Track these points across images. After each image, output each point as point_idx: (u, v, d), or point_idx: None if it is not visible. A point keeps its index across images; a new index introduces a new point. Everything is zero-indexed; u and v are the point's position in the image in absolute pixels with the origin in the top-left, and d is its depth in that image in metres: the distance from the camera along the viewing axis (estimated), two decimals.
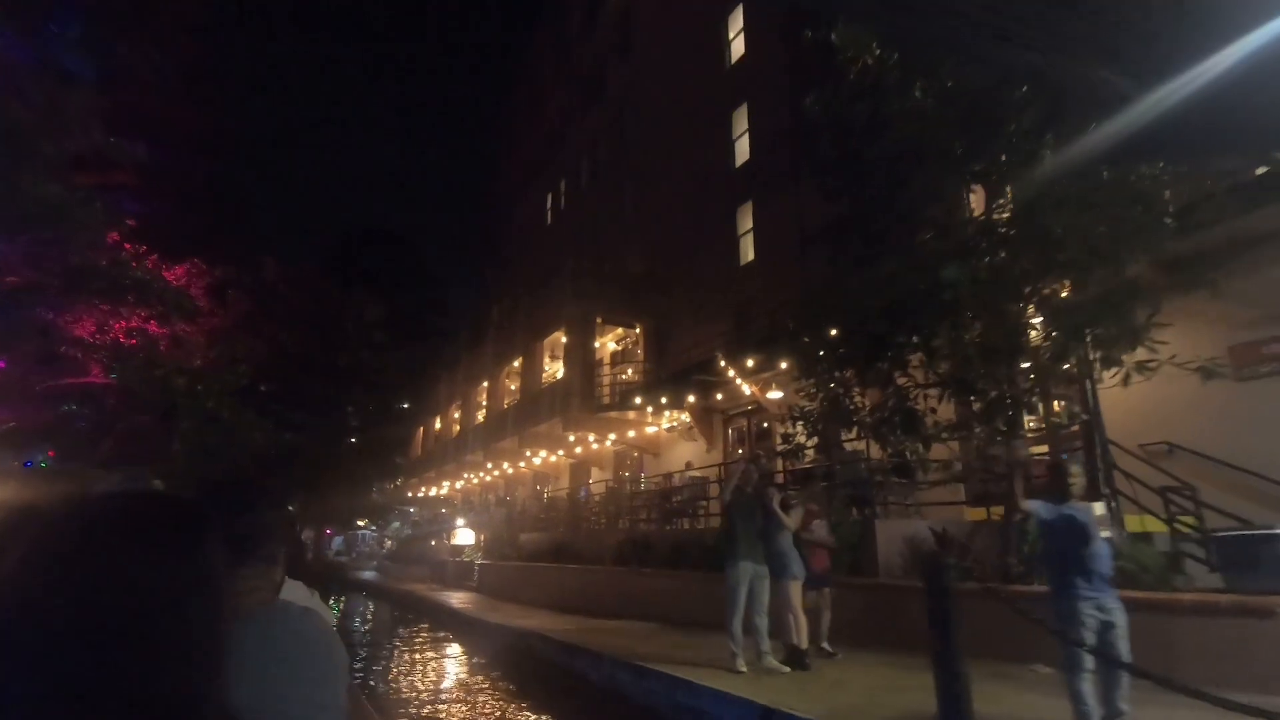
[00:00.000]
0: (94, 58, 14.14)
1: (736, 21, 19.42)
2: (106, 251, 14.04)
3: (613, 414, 19.21)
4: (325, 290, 22.99)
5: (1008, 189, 7.04)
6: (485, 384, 28.96)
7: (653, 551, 13.20)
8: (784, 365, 13.01)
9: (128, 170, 16.12)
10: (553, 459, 24.78)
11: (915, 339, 7.09)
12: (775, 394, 14.35)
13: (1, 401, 15.65)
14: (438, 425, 36.28)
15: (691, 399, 15.68)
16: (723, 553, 6.29)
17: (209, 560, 0.77)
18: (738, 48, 19.27)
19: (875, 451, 9.68)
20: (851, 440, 10.20)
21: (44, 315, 14.23)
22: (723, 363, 13.53)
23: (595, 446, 21.96)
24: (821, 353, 8.07)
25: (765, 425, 16.44)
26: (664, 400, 16.02)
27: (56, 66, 12.16)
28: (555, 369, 23.61)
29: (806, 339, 7.81)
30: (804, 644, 6.15)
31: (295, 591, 1.51)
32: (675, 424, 18.84)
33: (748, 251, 17.83)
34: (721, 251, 18.52)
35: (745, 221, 17.94)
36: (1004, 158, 6.47)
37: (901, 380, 7.24)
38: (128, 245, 16.37)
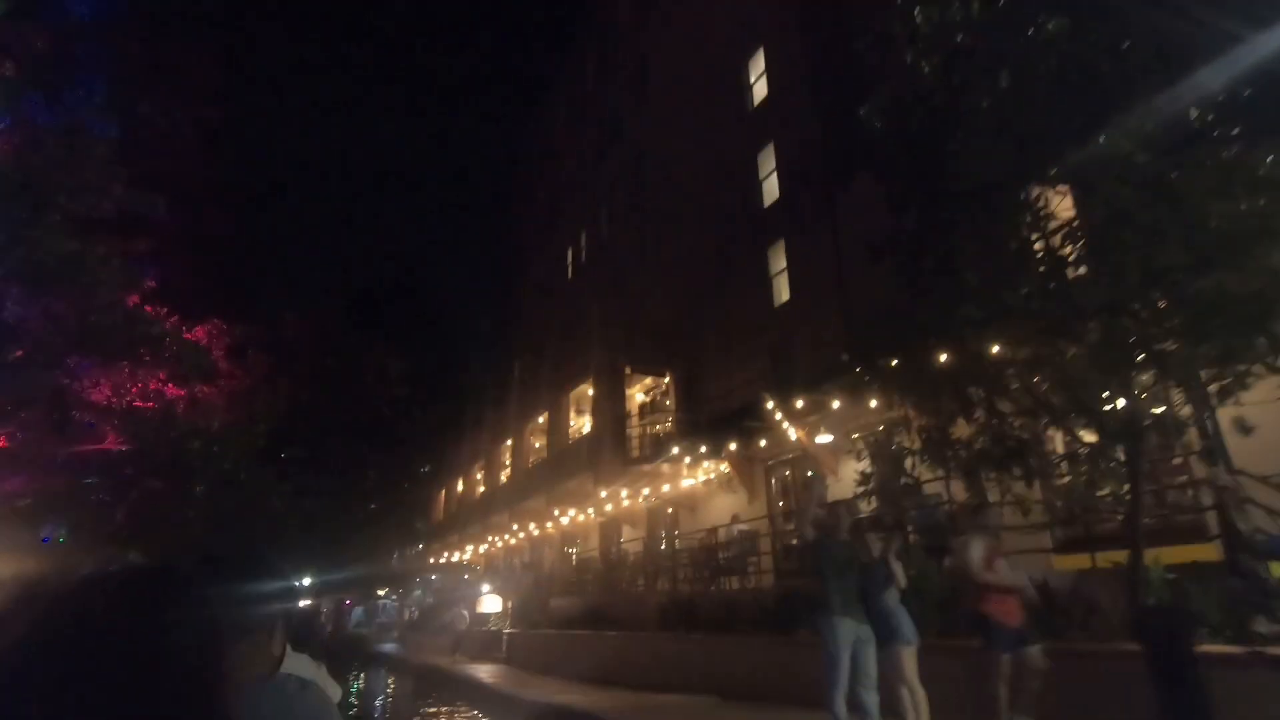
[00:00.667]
0: (115, 117, 14.07)
1: (758, 64, 19.30)
2: (125, 312, 13.69)
3: (645, 467, 18.22)
4: (345, 344, 22.51)
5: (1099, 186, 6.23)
6: (509, 442, 28.13)
7: (699, 613, 12.05)
8: (835, 405, 12.11)
9: (146, 230, 15.96)
10: (581, 518, 23.64)
11: (1012, 355, 6.22)
12: (824, 438, 13.38)
13: (15, 471, 15.10)
14: (460, 487, 35.32)
15: (733, 446, 14.71)
16: (813, 607, 5.30)
17: (200, 634, 0.78)
18: (760, 90, 19.08)
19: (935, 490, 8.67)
20: (928, 481, 9.17)
21: (59, 379, 13.79)
22: (769, 404, 12.63)
23: (627, 503, 20.88)
24: (896, 381, 7.17)
25: (810, 474, 15.40)
26: (703, 449, 15.07)
27: (78, 126, 12.06)
28: (581, 424, 22.78)
29: (893, 362, 6.90)
30: None
31: (300, 664, 1.50)
32: (713, 475, 17.79)
33: (781, 292, 17.14)
34: (753, 293, 17.85)
35: (778, 261, 17.32)
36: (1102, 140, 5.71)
37: (1003, 407, 6.31)
38: (149, 308, 16.04)
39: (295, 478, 20.37)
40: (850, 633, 5.05)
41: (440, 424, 33.60)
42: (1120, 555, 7.37)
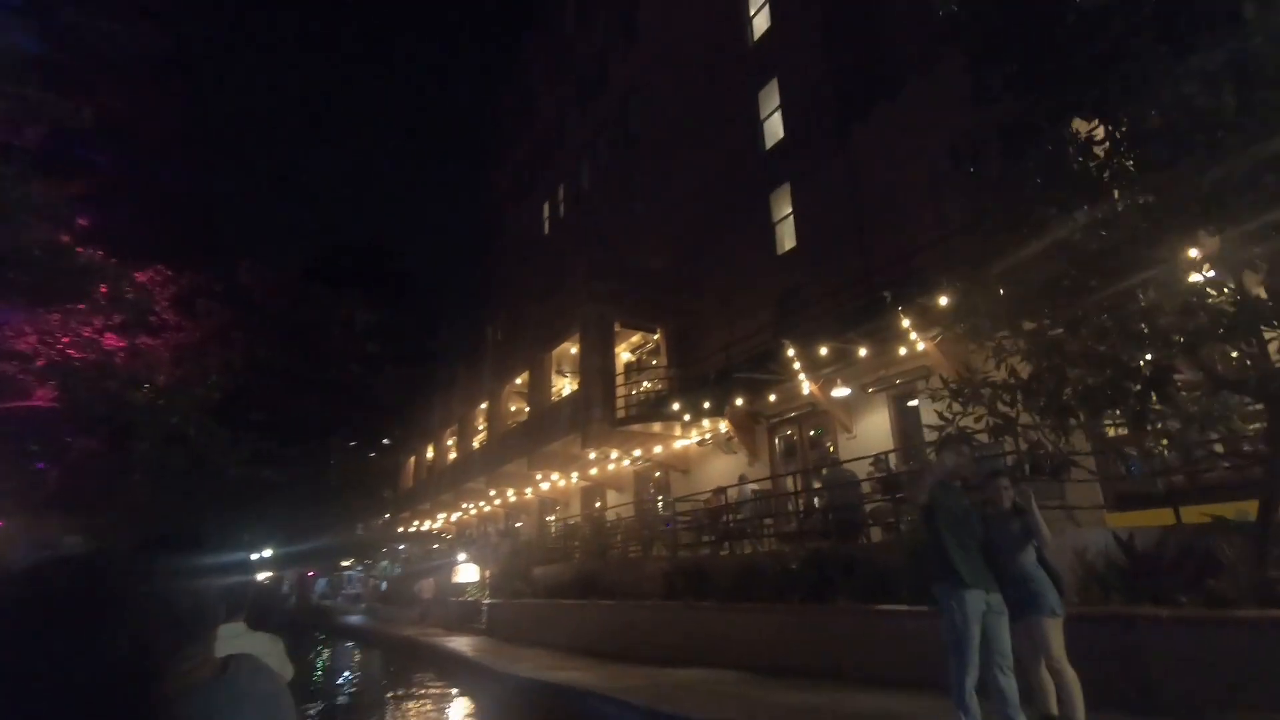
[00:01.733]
0: (33, 25, 12.08)
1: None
2: (48, 248, 11.82)
3: (636, 427, 17.08)
4: (310, 296, 20.57)
5: None
6: (485, 405, 26.70)
7: (711, 581, 11.00)
8: (863, 353, 11.02)
9: (88, 170, 14.01)
10: (563, 483, 22.48)
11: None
12: (841, 390, 12.32)
13: None
14: (431, 453, 33.80)
15: (740, 401, 13.59)
16: (932, 575, 4.18)
17: (131, 639, 0.76)
18: (761, 22, 17.64)
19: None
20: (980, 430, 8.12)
21: None
22: (790, 352, 11.48)
23: (613, 466, 19.78)
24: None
25: (817, 432, 14.43)
26: (706, 405, 13.91)
27: None
28: (562, 385, 21.49)
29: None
30: (1078, 715, 4.03)
31: (254, 643, 1.47)
32: (708, 436, 16.74)
33: (786, 239, 15.97)
34: (755, 241, 16.64)
35: (782, 206, 16.11)
36: None
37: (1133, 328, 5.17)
38: (80, 249, 14.13)
39: (254, 442, 18.67)
40: (979, 603, 3.96)
41: (410, 387, 31.93)
42: (1222, 509, 6.46)
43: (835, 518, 10.04)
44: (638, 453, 17.65)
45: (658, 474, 19.71)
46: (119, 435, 13.14)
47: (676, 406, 14.62)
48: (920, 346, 10.47)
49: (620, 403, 17.51)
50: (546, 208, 30.22)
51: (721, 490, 12.88)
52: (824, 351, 10.98)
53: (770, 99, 16.92)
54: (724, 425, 15.44)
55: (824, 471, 11.02)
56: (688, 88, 20.32)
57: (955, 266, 6.94)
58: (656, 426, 17.24)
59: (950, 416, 5.96)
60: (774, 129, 16.73)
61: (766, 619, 9.28)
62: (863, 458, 11.01)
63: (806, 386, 12.65)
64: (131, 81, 16.73)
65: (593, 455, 17.91)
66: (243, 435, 17.41)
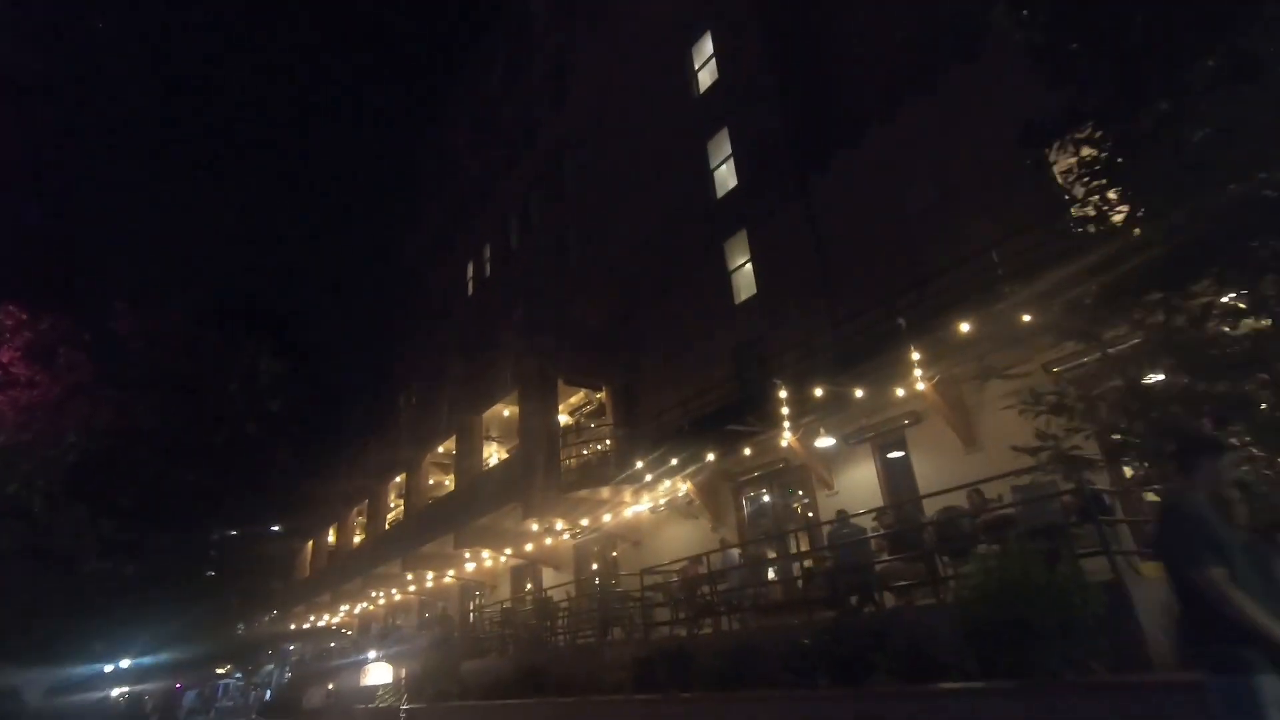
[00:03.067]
0: None
1: (704, 48, 17.72)
2: None
3: (583, 493, 15.41)
4: (202, 345, 17.67)
5: None
6: (400, 478, 24.12)
7: (696, 666, 9.32)
8: (859, 394, 10.06)
9: None
10: (490, 563, 20.15)
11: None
12: (824, 441, 11.28)
13: None
14: (333, 538, 30.21)
15: (710, 457, 12.27)
16: (1202, 651, 2.88)
17: None
18: (707, 75, 17.45)
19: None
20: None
21: None
22: (782, 393, 10.36)
23: (551, 540, 17.81)
24: None
25: (790, 491, 13.27)
26: (674, 461, 12.50)
27: None
28: (490, 452, 19.56)
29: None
30: None
31: None
32: (663, 501, 15.24)
33: (743, 287, 15.20)
34: (709, 291, 15.79)
35: (738, 254, 15.43)
36: None
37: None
38: None
39: (116, 527, 15.31)
40: (1275, 692, 2.71)
41: (309, 461, 28.62)
42: None
43: (845, 580, 8.73)
44: (585, 522, 15.85)
45: (596, 548, 17.90)
46: None
47: (640, 465, 13.11)
48: (920, 386, 9.63)
49: (566, 466, 15.81)
50: (471, 268, 28.70)
51: (697, 558, 11.32)
52: (818, 393, 9.92)
53: (720, 148, 16.53)
54: (685, 486, 14.03)
55: (828, 528, 9.77)
56: (626, 141, 19.81)
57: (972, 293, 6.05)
58: (605, 492, 15.63)
59: (1054, 435, 4.89)
60: (726, 178, 16.26)
61: (778, 710, 7.72)
62: (863, 513, 9.86)
63: (786, 438, 11.54)
64: None
65: (535, 527, 15.94)
66: (103, 518, 14.21)
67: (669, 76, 18.56)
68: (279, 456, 20.31)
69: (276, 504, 26.00)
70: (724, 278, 15.52)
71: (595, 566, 17.70)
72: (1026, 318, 7.21)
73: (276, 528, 31.33)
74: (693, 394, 14.64)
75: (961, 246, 9.59)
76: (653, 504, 15.54)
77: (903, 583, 8.81)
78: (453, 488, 23.82)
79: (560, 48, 24.71)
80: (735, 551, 10.95)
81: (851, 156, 13.16)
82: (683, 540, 14.81)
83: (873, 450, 11.49)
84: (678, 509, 14.63)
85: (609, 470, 15.93)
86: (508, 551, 18.41)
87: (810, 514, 12.47)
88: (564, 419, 19.44)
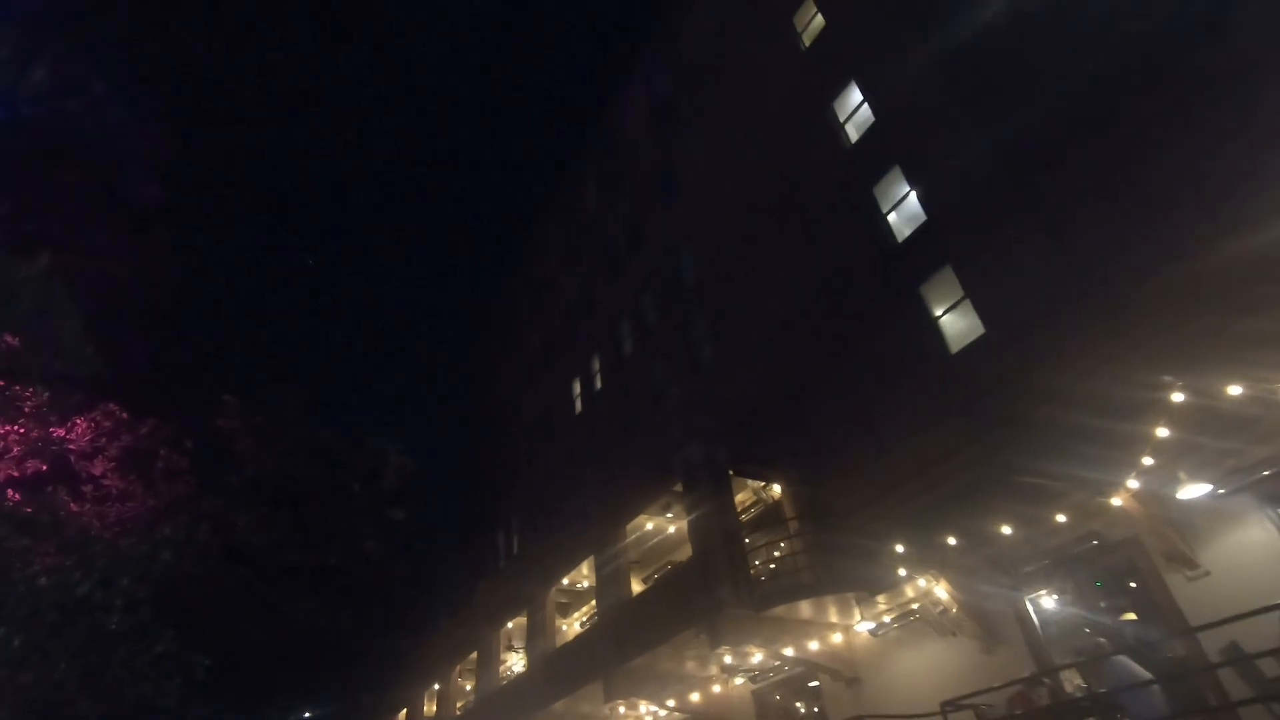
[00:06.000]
0: None
1: (850, 99, 16.16)
2: None
3: (779, 610, 11.79)
4: (315, 445, 15.53)
5: None
6: (513, 622, 20.60)
7: None
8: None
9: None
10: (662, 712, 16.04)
11: None
12: (1193, 490, 7.75)
13: None
14: (432, 707, 26.03)
15: (1006, 530, 8.80)
16: None
17: None
18: (862, 120, 15.73)
19: None
20: None
21: None
22: (1179, 396, 7.09)
23: (723, 684, 13.91)
24: None
25: (1098, 584, 9.45)
26: (951, 541, 9.06)
27: None
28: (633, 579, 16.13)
29: None
30: None
31: None
32: (894, 618, 11.48)
33: (960, 330, 12.31)
34: (908, 347, 12.94)
35: (943, 295, 12.70)
36: None
37: None
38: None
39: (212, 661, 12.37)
40: None
41: (406, 619, 25.29)
42: None
43: None
44: (790, 652, 12.01)
45: (778, 696, 13.85)
46: None
47: (899, 550, 9.65)
48: None
49: (756, 569, 12.37)
50: (577, 384, 26.67)
51: (1035, 680, 7.51)
52: (1177, 399, 6.62)
53: (892, 189, 14.38)
54: (941, 589, 10.32)
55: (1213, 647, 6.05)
56: (755, 216, 18.07)
57: None
58: (805, 609, 12.01)
59: None
60: (909, 216, 13.94)
61: None
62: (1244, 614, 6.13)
63: (1126, 489, 8.07)
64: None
65: (729, 659, 12.22)
66: (195, 653, 11.30)
67: (809, 143, 16.99)
68: (396, 580, 17.26)
69: (372, 661, 22.49)
70: (927, 326, 12.69)
71: (793, 717, 13.51)
72: None
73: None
74: (913, 469, 11.35)
75: None
76: (876, 624, 11.76)
77: None
78: (581, 629, 20.24)
79: (665, 149, 24.09)
80: (1124, 661, 7.06)
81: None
82: (930, 669, 10.87)
83: (1258, 501, 7.86)
84: (928, 621, 10.80)
85: (802, 582, 12.41)
86: (669, 704, 14.42)
87: (1152, 613, 8.61)
88: None
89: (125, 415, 11.70)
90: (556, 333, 29.59)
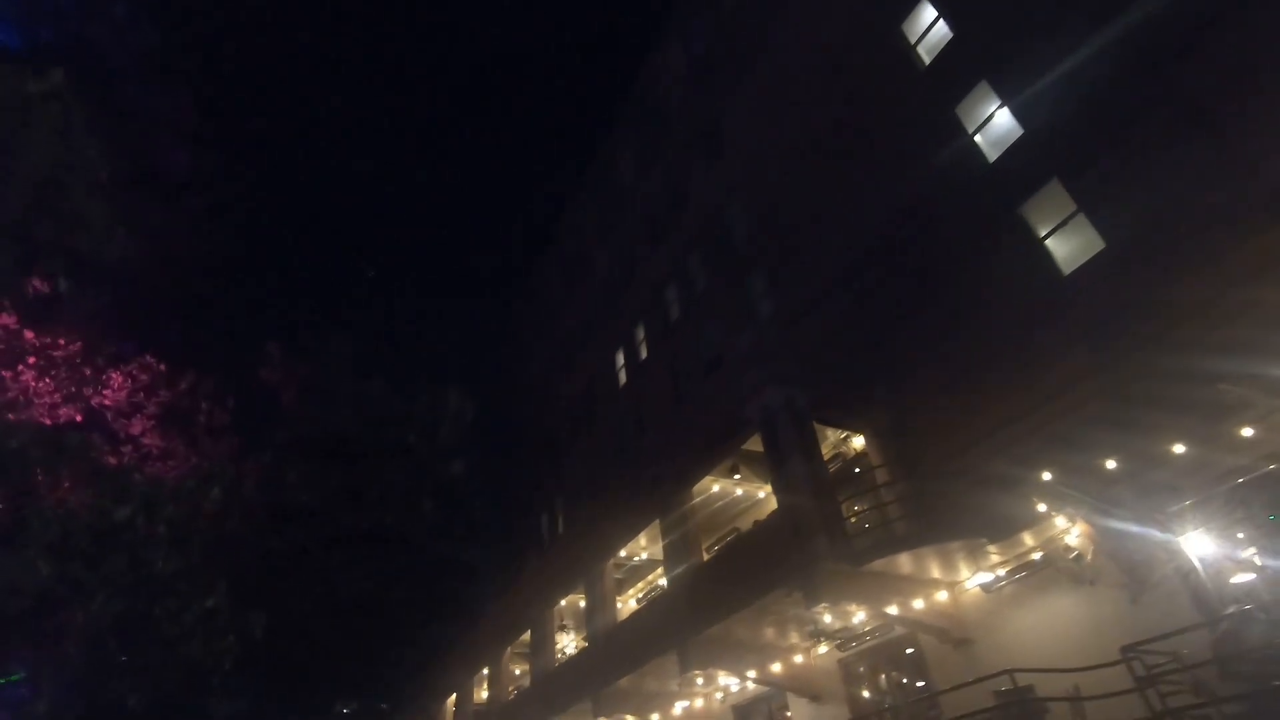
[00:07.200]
0: None
1: (920, 18, 14.84)
2: None
3: (877, 564, 10.59)
4: (365, 398, 14.58)
5: None
6: (565, 602, 19.67)
7: None
8: None
9: None
10: (720, 694, 15.03)
11: None
12: None
13: None
14: (483, 691, 25.19)
15: (1179, 448, 7.54)
16: None
17: None
18: (937, 39, 14.41)
19: None
20: None
21: None
22: None
23: (800, 655, 12.79)
24: None
25: None
26: (1110, 464, 7.82)
27: None
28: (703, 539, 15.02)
29: None
30: None
31: None
32: (1009, 571, 10.26)
33: (1070, 254, 11.00)
34: (1009, 275, 11.64)
35: (1049, 213, 11.39)
36: None
37: None
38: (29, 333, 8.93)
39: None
40: None
41: (457, 602, 24.42)
42: None
43: None
44: (893, 610, 10.82)
45: (863, 667, 12.65)
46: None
47: (1046, 478, 8.45)
48: None
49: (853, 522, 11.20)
50: (621, 357, 25.62)
51: None
52: None
53: (978, 106, 13.07)
54: (1076, 532, 9.07)
55: None
56: (817, 159, 16.84)
57: None
58: (905, 563, 10.81)
59: None
60: (999, 135, 12.62)
61: None
62: None
63: None
64: None
65: (828, 619, 11.08)
66: (252, 610, 10.39)
67: (875, 74, 15.71)
68: (445, 558, 16.34)
69: (417, 648, 21.65)
70: (1033, 248, 11.38)
71: (885, 687, 12.32)
72: None
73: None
74: (1000, 424, 10.10)
75: None
76: (992, 578, 10.53)
77: None
78: (638, 605, 19.21)
79: (707, 105, 22.93)
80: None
81: None
82: (1060, 625, 9.64)
83: None
84: (1034, 582, 9.56)
85: (901, 533, 11.22)
86: (750, 675, 13.31)
87: None
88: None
89: (163, 368, 10.88)
90: (595, 309, 28.58)
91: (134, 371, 10.51)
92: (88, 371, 9.57)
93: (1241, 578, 7.87)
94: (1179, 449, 7.57)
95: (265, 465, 12.22)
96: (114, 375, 10.13)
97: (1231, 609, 7.47)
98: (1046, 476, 8.50)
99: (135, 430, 10.21)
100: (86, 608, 8.39)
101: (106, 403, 9.82)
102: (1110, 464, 8.01)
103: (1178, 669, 6.75)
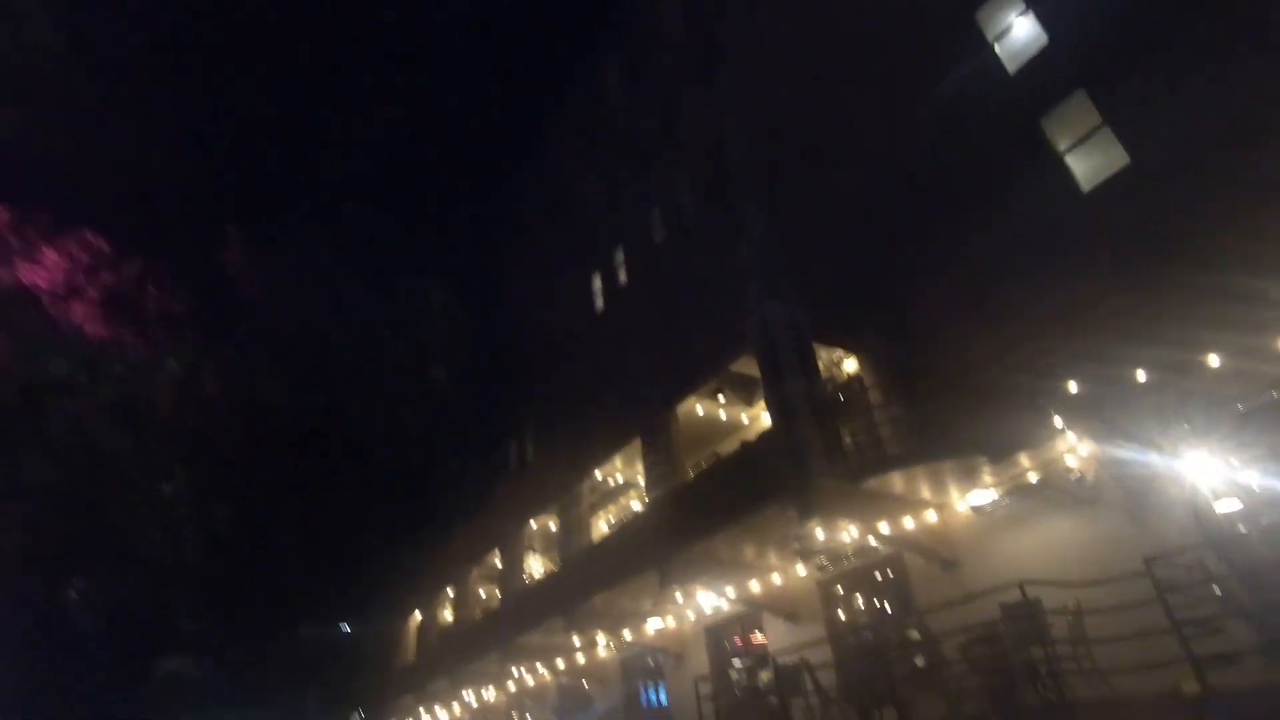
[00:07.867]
0: None
1: None
2: None
3: (872, 483, 10.34)
4: (338, 291, 13.55)
5: None
6: (538, 523, 19.39)
7: None
8: None
9: None
10: (693, 615, 15.04)
11: None
12: None
13: None
14: (450, 611, 25.09)
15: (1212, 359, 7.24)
16: None
17: None
18: None
19: None
20: None
21: None
22: None
23: (779, 576, 12.72)
24: None
25: None
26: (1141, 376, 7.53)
27: None
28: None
29: None
30: None
31: None
32: (1006, 491, 10.11)
33: (1091, 170, 10.52)
34: (1018, 195, 11.14)
35: (1070, 128, 10.83)
36: None
37: None
38: None
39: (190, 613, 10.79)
40: None
41: (411, 532, 24.02)
42: None
43: None
44: (886, 529, 10.67)
45: (840, 588, 12.63)
46: None
47: (1073, 389, 8.15)
48: None
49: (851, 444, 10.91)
50: (598, 280, 24.78)
51: None
52: None
53: (1003, 11, 12.29)
54: (1076, 451, 8.88)
55: None
56: (824, 76, 15.92)
57: None
58: (898, 483, 10.59)
59: None
60: (1021, 43, 11.90)
61: None
62: None
63: None
64: None
65: (821, 534, 10.86)
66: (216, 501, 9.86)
67: None
68: (415, 473, 15.74)
69: (379, 566, 21.28)
70: (1051, 163, 10.87)
71: (862, 606, 12.34)
72: None
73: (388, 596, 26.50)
74: (1012, 344, 9.77)
75: None
76: (992, 498, 10.39)
77: None
78: (609, 529, 19.06)
79: (703, 23, 21.56)
80: None
81: None
82: (1054, 547, 9.58)
83: None
84: (1027, 504, 9.41)
85: (896, 452, 10.99)
86: (729, 593, 13.22)
87: None
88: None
89: (106, 247, 9.69)
90: (574, 231, 27.49)
91: (71, 249, 9.34)
92: (16, 248, 8.43)
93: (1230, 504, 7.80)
94: (1214, 362, 7.30)
95: (227, 358, 11.31)
96: (46, 251, 8.99)
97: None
98: (1073, 388, 8.20)
99: (75, 317, 9.21)
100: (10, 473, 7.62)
101: (41, 284, 8.75)
102: (1140, 376, 7.74)
103: (1203, 580, 6.61)
